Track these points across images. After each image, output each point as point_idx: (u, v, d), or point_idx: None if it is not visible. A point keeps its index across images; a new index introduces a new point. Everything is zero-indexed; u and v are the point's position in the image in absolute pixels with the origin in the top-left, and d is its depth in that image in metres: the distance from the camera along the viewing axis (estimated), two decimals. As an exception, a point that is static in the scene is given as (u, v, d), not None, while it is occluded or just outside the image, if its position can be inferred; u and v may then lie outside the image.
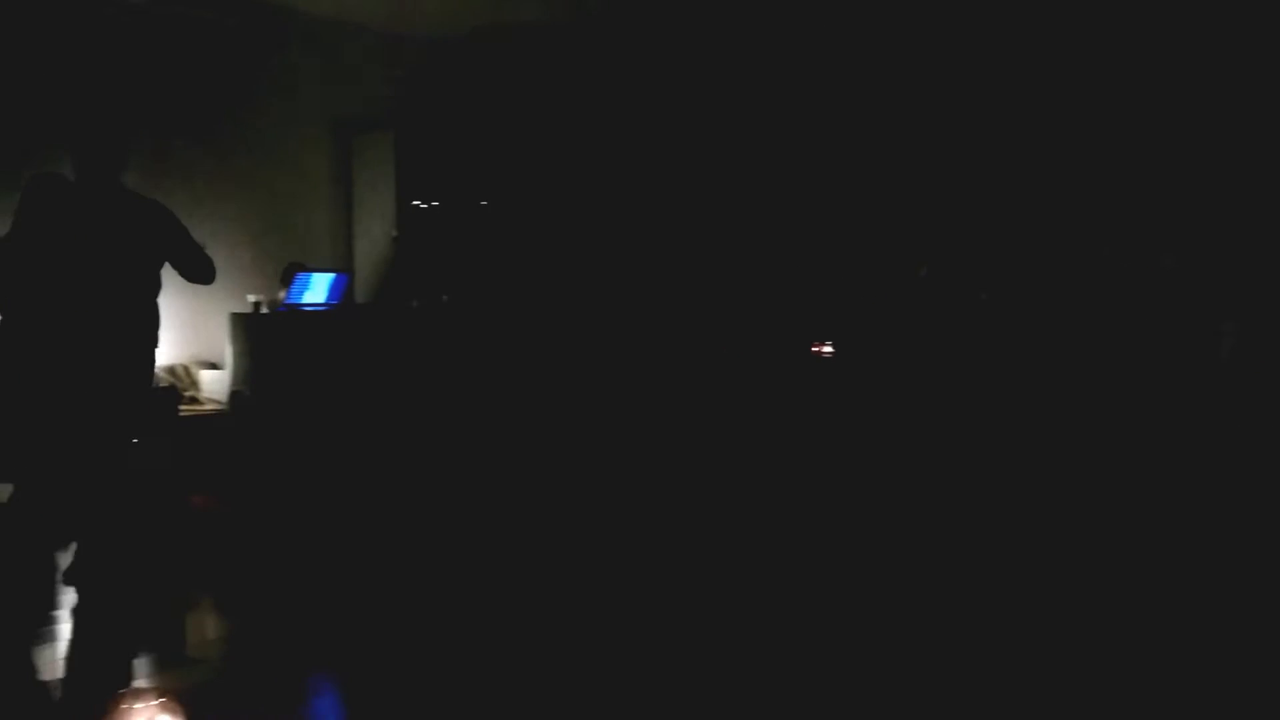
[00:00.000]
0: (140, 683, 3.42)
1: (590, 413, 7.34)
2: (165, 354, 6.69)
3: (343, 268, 7.34)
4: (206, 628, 4.57)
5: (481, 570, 5.13)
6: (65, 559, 4.65)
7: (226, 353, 6.43)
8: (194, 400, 6.58)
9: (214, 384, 6.64)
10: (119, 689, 3.36)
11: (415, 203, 7.43)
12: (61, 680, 3.63)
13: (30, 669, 3.70)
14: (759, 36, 7.93)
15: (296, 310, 6.48)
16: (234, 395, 6.35)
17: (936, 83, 7.74)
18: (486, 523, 5.98)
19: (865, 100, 8.10)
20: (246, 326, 6.35)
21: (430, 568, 5.20)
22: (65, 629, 4.10)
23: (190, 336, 6.88)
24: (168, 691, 2.99)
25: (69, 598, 4.44)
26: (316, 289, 6.55)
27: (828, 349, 7.68)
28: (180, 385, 6.56)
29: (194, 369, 6.80)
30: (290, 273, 6.66)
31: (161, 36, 6.76)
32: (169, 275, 6.79)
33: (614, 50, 8.32)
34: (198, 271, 5.02)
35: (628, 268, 8.43)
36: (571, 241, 8.25)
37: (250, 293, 6.47)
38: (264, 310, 6.41)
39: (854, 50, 7.91)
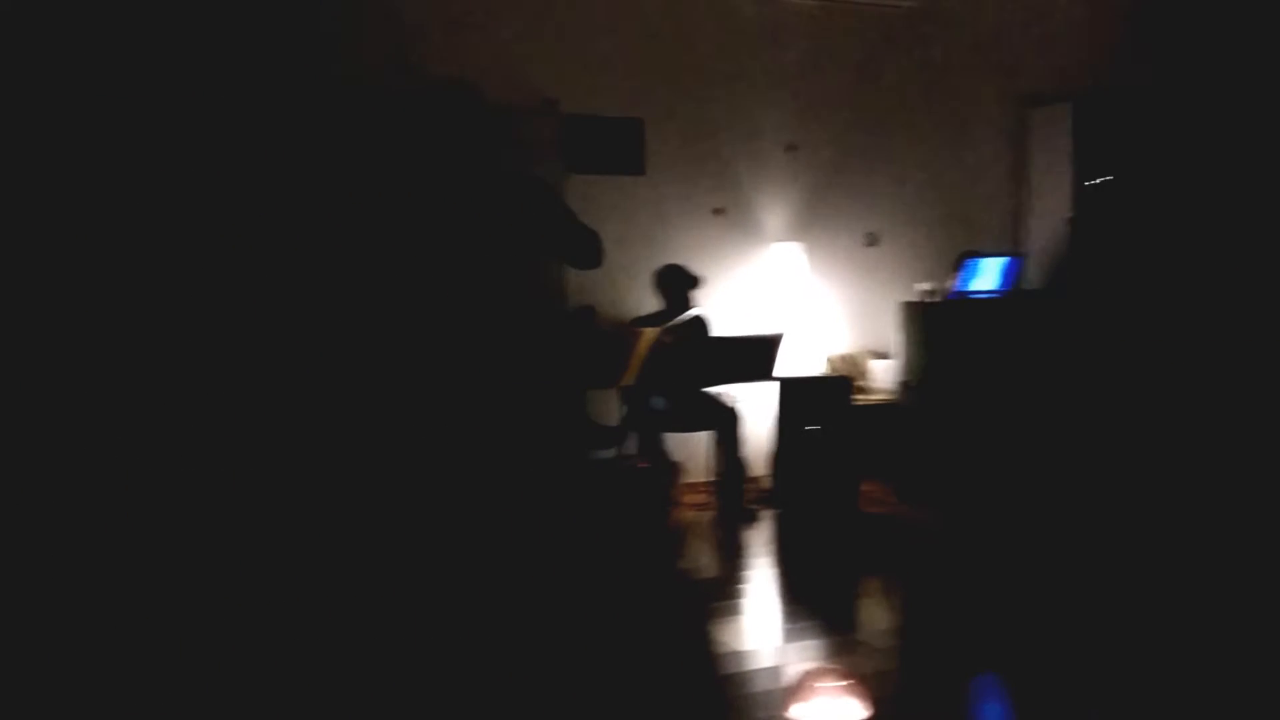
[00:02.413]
0: (823, 665, 3.41)
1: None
2: (839, 342, 6.87)
3: (1014, 251, 6.98)
4: (878, 616, 4.51)
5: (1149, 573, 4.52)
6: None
7: (895, 342, 6.38)
8: (863, 390, 6.63)
9: (884, 374, 6.64)
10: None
11: (1088, 182, 6.85)
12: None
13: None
14: None
15: (965, 298, 6.25)
16: (902, 385, 6.28)
17: None
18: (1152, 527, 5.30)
19: None
20: (914, 315, 6.24)
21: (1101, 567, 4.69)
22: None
23: (861, 326, 6.97)
24: (851, 674, 2.91)
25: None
26: (986, 275, 6.27)
27: None
28: (853, 373, 6.64)
29: (863, 358, 6.86)
30: (962, 260, 6.46)
31: (828, 29, 6.93)
32: (845, 264, 7.00)
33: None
34: (573, 255, 4.88)
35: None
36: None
37: (921, 280, 6.36)
38: (932, 298, 6.26)
39: None
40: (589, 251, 5.18)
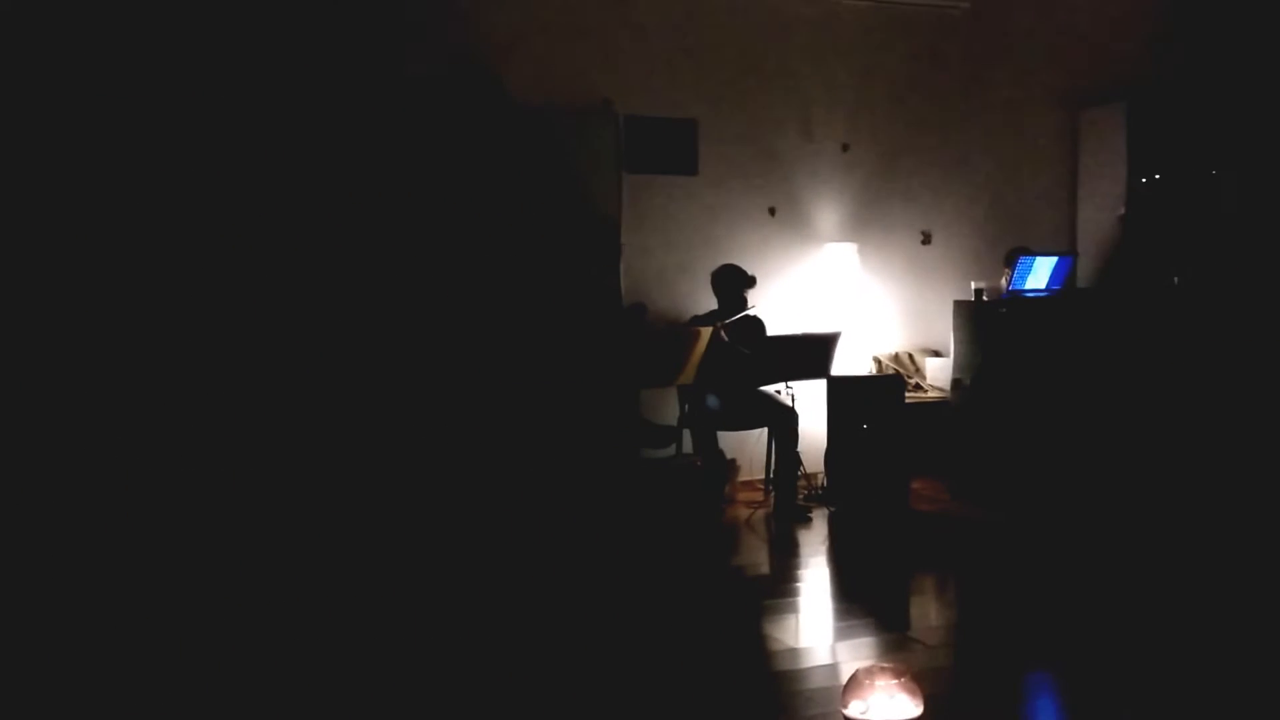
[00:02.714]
0: (877, 661, 3.47)
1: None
2: (890, 341, 6.92)
3: (1066, 250, 6.98)
4: (930, 613, 4.56)
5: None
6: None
7: (949, 340, 6.42)
8: (918, 388, 6.67)
9: (937, 372, 6.67)
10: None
11: (1142, 179, 6.84)
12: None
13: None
14: None
15: (1018, 296, 6.26)
16: (955, 383, 6.32)
17: None
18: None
19: None
20: (967, 314, 6.27)
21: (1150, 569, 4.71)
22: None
23: (915, 325, 7.01)
24: (904, 670, 2.97)
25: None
26: (1039, 273, 6.28)
27: None
28: (905, 372, 6.69)
29: (918, 356, 6.90)
30: (1014, 257, 6.48)
31: (881, 30, 6.98)
32: (897, 264, 7.03)
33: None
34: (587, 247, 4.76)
35: None
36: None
37: (973, 279, 6.39)
38: (985, 297, 6.29)
39: None
40: (604, 244, 5.09)
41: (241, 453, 5.18)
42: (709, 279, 6.08)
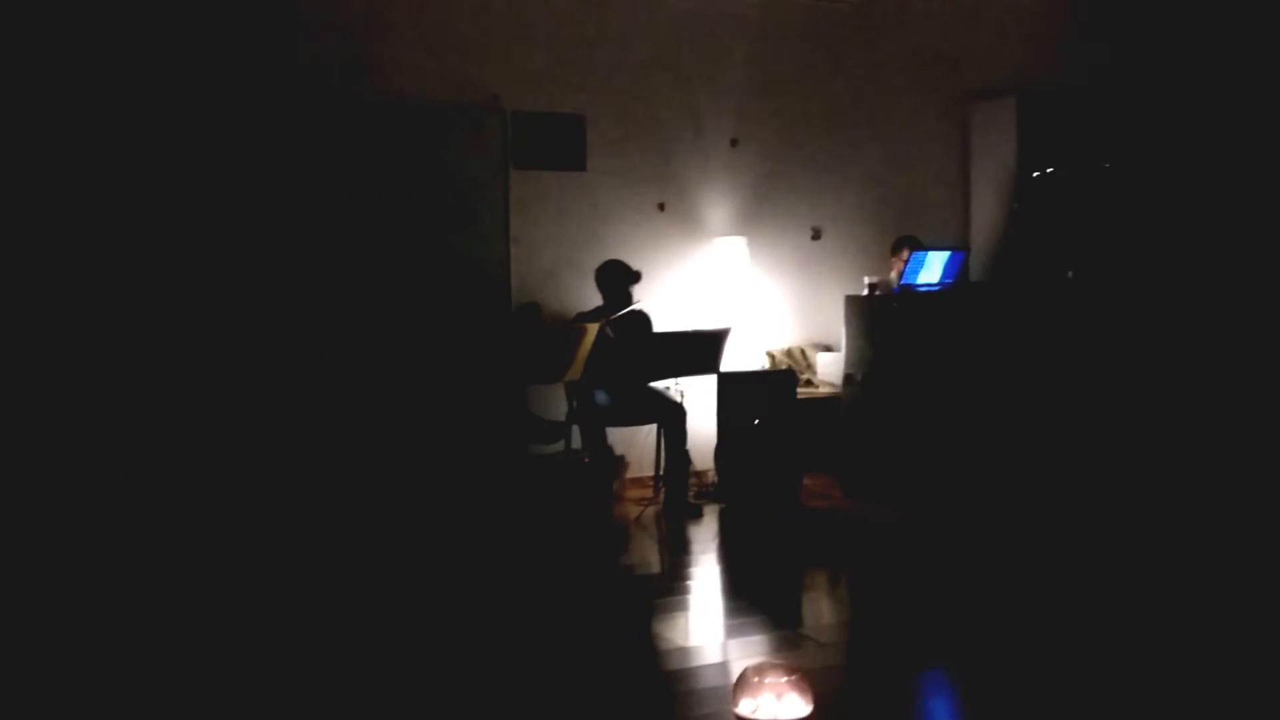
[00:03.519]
0: (767, 659, 3.39)
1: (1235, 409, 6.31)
2: (782, 336, 6.87)
3: (959, 244, 7.02)
4: (822, 610, 4.52)
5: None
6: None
7: (840, 335, 6.39)
8: (809, 383, 6.63)
9: (829, 367, 6.64)
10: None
11: (1034, 173, 6.92)
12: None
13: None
14: None
15: (910, 291, 6.26)
16: (847, 378, 6.29)
17: None
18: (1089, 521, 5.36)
19: None
20: (859, 309, 6.25)
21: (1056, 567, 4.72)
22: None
23: (807, 319, 6.98)
24: (795, 669, 2.89)
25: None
26: (931, 268, 6.28)
27: None
28: (796, 368, 6.65)
29: (809, 351, 6.86)
30: (900, 246, 6.49)
31: (770, 24, 6.93)
32: (788, 258, 7.00)
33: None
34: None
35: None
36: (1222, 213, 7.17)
37: (864, 274, 6.38)
38: (878, 292, 6.27)
39: None
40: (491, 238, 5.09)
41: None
42: (595, 275, 5.97)
